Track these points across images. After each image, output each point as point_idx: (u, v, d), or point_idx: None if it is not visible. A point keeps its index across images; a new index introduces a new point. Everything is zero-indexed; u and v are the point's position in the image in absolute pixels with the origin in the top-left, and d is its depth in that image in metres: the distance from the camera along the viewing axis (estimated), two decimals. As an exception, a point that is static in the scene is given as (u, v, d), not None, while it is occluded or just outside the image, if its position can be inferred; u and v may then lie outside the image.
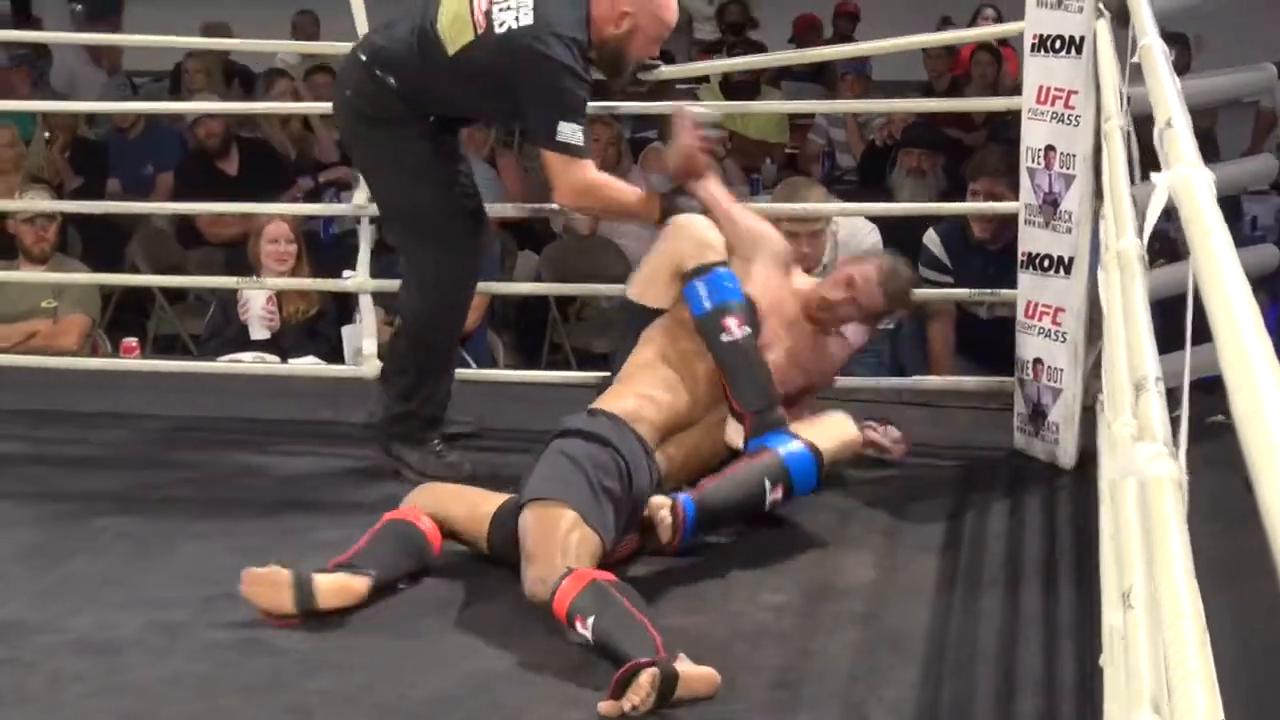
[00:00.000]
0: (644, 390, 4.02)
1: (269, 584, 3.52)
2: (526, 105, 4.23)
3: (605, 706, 3.10)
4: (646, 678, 3.08)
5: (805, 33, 10.85)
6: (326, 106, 5.23)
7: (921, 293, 5.86)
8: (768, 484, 3.92)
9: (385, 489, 4.37)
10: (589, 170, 4.28)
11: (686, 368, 4.07)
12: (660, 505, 3.70)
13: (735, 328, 4.03)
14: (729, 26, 10.84)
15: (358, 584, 3.59)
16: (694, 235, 4.14)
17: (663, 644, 3.23)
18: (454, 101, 4.36)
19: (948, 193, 7.46)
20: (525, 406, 4.69)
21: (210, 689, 3.27)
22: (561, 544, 3.55)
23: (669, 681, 3.10)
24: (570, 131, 4.18)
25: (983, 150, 6.20)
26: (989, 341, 5.44)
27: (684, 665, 3.17)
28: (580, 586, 3.38)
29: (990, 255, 5.77)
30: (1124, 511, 1.70)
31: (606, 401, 3.98)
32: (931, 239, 5.99)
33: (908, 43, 5.34)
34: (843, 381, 5.25)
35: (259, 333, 5.94)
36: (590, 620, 3.32)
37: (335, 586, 3.56)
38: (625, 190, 4.41)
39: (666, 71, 5.19)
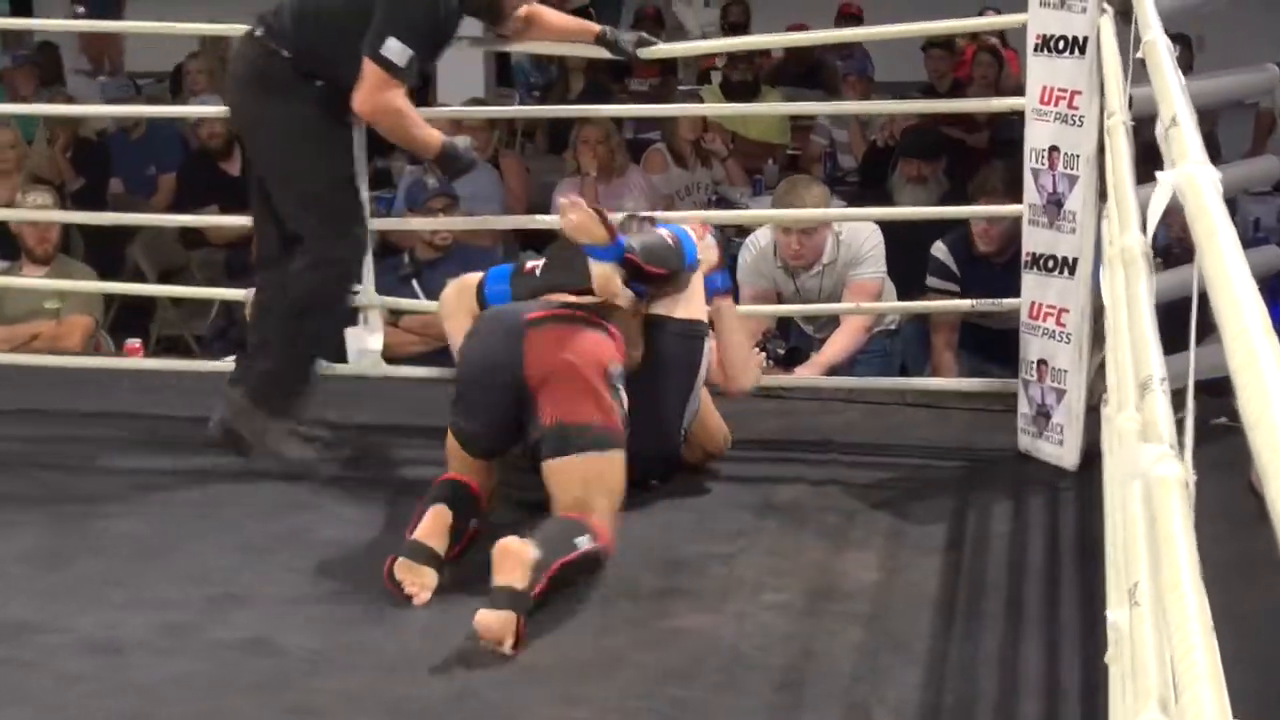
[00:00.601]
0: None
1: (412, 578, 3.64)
2: (376, 16, 4.34)
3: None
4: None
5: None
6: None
7: (925, 304, 5.89)
8: (664, 232, 4.18)
9: (390, 488, 4.39)
10: (397, 95, 4.42)
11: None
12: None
13: (531, 265, 4.18)
14: (730, 26, 10.84)
15: (436, 511, 3.73)
16: (450, 292, 4.35)
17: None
18: (338, 58, 4.40)
19: (949, 194, 7.45)
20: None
21: (214, 689, 3.27)
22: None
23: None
24: (397, 50, 4.34)
25: (985, 169, 6.19)
26: (1000, 342, 5.43)
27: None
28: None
29: (996, 268, 5.75)
30: (1129, 511, 1.69)
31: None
32: (940, 249, 6.00)
33: (906, 30, 5.29)
34: (846, 381, 5.28)
35: (263, 333, 5.92)
36: None
37: (428, 527, 3.70)
38: (422, 126, 4.54)
39: (663, 49, 5.16)
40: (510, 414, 3.85)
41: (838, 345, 5.67)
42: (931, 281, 6.01)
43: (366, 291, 5.16)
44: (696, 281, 4.25)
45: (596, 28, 4.88)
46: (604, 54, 4.93)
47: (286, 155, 4.53)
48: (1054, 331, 4.53)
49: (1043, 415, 4.56)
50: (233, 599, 3.70)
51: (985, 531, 4.14)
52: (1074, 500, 4.29)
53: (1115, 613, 1.92)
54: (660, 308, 4.20)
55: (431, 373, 5.13)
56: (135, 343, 6.26)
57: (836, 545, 4.03)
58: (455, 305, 4.28)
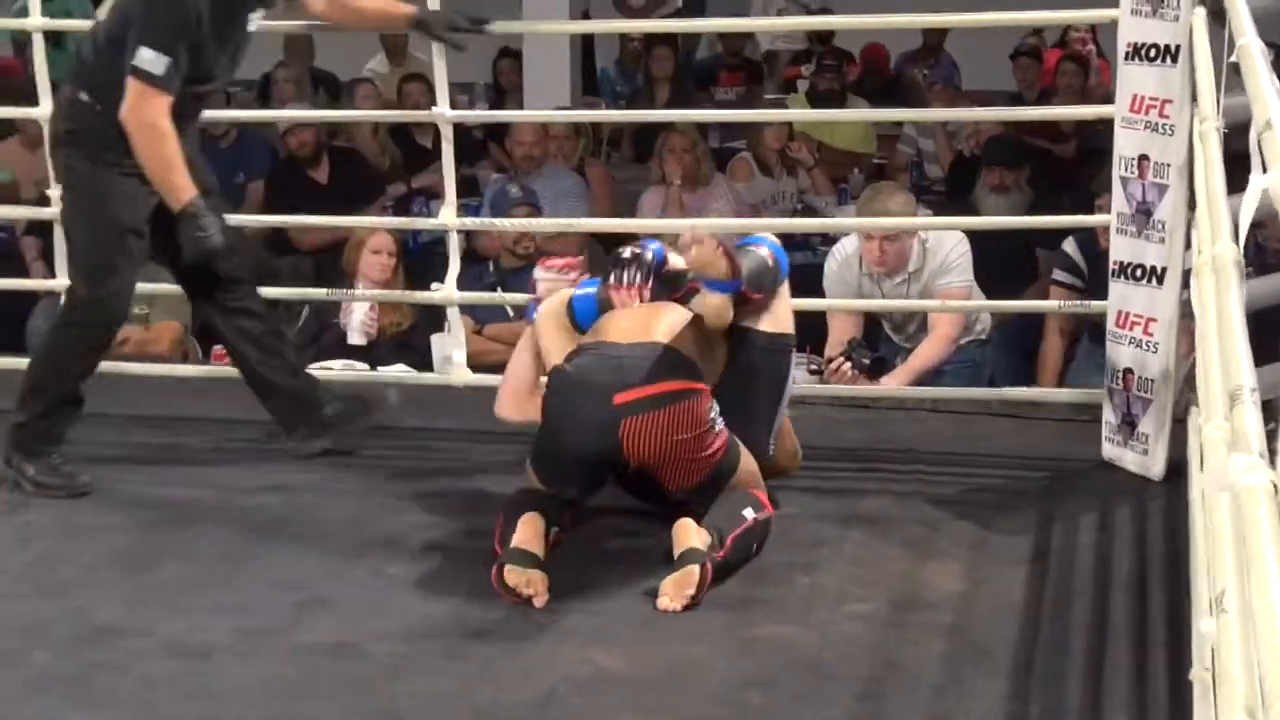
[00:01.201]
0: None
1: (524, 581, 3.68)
2: (130, 32, 4.28)
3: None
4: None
5: (876, 58, 10.90)
6: (421, 114, 5.24)
7: (1012, 304, 5.87)
8: (763, 252, 4.09)
9: (472, 495, 4.40)
10: (159, 109, 4.29)
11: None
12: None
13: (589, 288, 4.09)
14: (817, 35, 10.84)
15: (530, 518, 3.78)
16: (544, 310, 4.20)
17: None
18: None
19: (1035, 204, 7.40)
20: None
21: (298, 693, 3.29)
22: None
23: None
24: (150, 59, 4.24)
25: (1102, 175, 6.21)
26: None
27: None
28: None
29: None
30: (1217, 520, 1.67)
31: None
32: (1070, 245, 6.12)
33: (993, 19, 5.22)
34: (930, 391, 5.26)
35: (357, 339, 5.97)
36: None
37: (525, 534, 3.75)
38: (177, 160, 4.38)
39: (499, 27, 5.01)
40: (604, 479, 3.99)
41: (925, 354, 5.66)
42: (1059, 276, 6.13)
43: (447, 295, 5.18)
44: (783, 291, 4.21)
45: (409, 10, 4.75)
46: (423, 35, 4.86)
47: (83, 209, 4.50)
48: (1141, 341, 4.48)
49: (1128, 424, 4.52)
50: (317, 604, 3.72)
51: (1070, 542, 4.10)
52: (1161, 511, 4.25)
53: (1204, 622, 1.89)
54: (747, 319, 4.13)
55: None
56: (223, 348, 6.30)
57: (920, 555, 4.01)
58: (550, 324, 4.21)
